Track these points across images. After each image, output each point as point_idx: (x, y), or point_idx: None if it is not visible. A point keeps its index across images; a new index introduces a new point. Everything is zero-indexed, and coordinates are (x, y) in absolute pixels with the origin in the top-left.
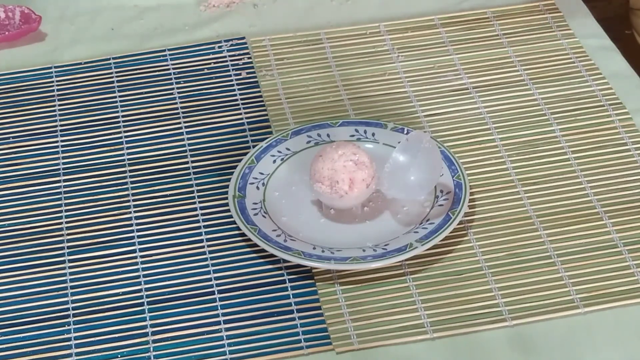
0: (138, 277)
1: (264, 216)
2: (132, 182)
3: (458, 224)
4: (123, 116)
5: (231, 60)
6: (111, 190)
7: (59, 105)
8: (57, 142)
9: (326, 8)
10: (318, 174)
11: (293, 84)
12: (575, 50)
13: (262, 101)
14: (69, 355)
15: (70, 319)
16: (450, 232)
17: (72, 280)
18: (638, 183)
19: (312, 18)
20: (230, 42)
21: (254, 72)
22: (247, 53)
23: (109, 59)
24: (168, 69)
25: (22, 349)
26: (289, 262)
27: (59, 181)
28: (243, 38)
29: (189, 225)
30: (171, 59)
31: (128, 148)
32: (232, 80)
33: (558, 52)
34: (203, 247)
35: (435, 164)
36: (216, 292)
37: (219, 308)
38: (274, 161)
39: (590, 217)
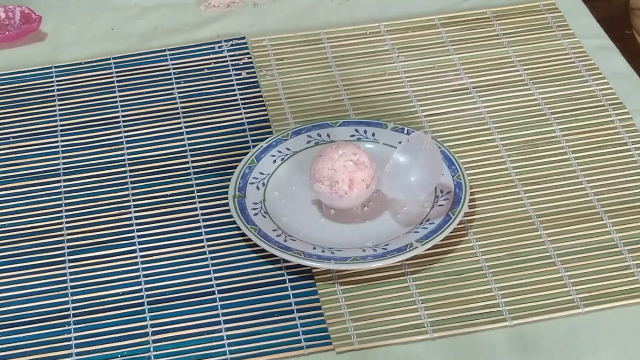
0: (138, 277)
1: (264, 216)
2: (132, 182)
3: (458, 224)
4: (123, 116)
5: (231, 60)
6: (111, 190)
7: (59, 105)
8: (57, 142)
9: (326, 8)
10: (318, 173)
11: (293, 84)
12: (575, 50)
13: (262, 101)
14: (69, 355)
15: (70, 319)
16: (451, 232)
17: (72, 280)
18: (638, 183)
19: (312, 18)
20: (230, 42)
21: (254, 72)
22: (247, 53)
23: (109, 59)
24: (168, 69)
25: (22, 349)
26: (289, 262)
27: (59, 181)
28: (243, 38)
29: (189, 225)
30: (171, 59)
31: (128, 148)
32: (232, 80)
33: (558, 52)
34: (203, 247)
35: (436, 165)
36: (216, 292)
37: (219, 308)
38: (274, 161)
39: (590, 217)
